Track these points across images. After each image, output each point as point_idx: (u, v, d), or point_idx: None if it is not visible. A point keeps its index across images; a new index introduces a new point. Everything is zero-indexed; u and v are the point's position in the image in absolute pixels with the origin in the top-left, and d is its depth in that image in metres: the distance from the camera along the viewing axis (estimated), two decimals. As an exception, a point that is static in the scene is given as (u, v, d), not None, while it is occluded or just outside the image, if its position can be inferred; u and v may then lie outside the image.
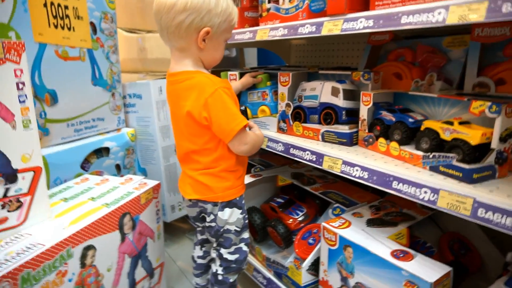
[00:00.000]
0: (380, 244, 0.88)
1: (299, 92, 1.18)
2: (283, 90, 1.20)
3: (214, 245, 1.05)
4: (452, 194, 0.70)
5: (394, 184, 0.82)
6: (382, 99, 1.01)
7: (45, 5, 1.21)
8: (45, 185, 0.96)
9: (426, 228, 1.08)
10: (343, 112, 1.05)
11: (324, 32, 0.96)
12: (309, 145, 1.06)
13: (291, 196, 1.39)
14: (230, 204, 0.98)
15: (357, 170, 0.91)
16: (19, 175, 0.89)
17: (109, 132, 1.55)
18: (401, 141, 0.91)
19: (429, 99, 0.93)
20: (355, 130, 1.05)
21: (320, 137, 1.10)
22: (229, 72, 1.37)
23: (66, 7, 1.29)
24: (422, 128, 0.86)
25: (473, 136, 0.74)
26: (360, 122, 1.03)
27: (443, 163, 0.79)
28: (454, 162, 0.76)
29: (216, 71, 1.31)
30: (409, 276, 0.77)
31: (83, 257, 0.92)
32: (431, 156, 0.81)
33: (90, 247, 0.93)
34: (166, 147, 1.69)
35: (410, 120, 0.91)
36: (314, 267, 1.07)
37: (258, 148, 0.99)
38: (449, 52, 1.06)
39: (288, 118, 1.20)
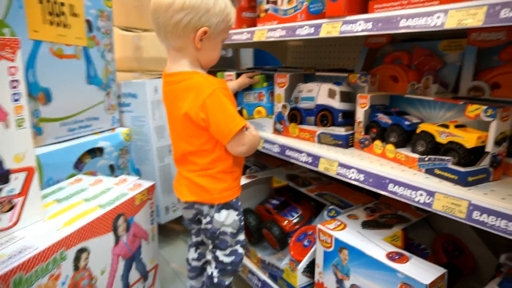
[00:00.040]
0: (376, 246, 0.88)
1: (295, 93, 1.18)
2: (279, 91, 1.20)
3: (210, 247, 1.05)
4: (448, 197, 0.71)
5: (390, 186, 0.82)
6: (379, 101, 1.02)
7: (40, 1, 1.19)
8: (38, 186, 0.94)
9: (420, 230, 1.09)
10: (340, 114, 1.05)
11: (323, 34, 0.96)
12: (305, 147, 1.06)
13: (286, 198, 1.39)
14: (227, 205, 0.98)
15: (353, 172, 0.91)
16: (12, 176, 0.87)
17: (103, 132, 1.53)
18: (397, 144, 0.92)
19: (425, 102, 0.93)
20: (351, 132, 1.05)
21: (316, 138, 1.11)
22: (226, 73, 1.36)
23: (62, 4, 1.28)
24: (418, 131, 0.87)
25: (469, 139, 0.75)
26: (356, 124, 1.03)
27: (438, 166, 0.79)
28: (450, 165, 0.77)
29: (212, 71, 1.30)
30: (405, 278, 0.77)
31: (77, 259, 0.90)
32: (426, 158, 0.82)
33: (83, 250, 0.92)
34: (161, 148, 1.67)
35: (406, 123, 0.91)
36: (310, 269, 1.07)
37: (255, 149, 0.99)
38: (445, 55, 1.07)
39: (284, 120, 1.19)
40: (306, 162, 1.04)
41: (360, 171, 0.89)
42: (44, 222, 0.94)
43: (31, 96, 1.19)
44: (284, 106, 1.19)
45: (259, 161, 1.65)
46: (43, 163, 1.18)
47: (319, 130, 1.09)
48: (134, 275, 1.15)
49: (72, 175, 1.30)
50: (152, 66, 1.87)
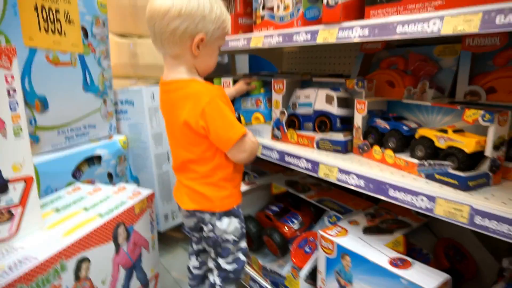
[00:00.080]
0: (378, 252, 0.88)
1: (293, 99, 1.19)
2: (277, 97, 1.21)
3: (212, 255, 1.04)
4: (449, 202, 0.72)
5: (391, 192, 0.82)
6: (376, 107, 1.02)
7: (35, 8, 1.18)
8: (37, 196, 0.93)
9: (421, 235, 1.09)
10: (338, 120, 1.06)
11: (319, 40, 0.96)
12: (304, 153, 1.06)
13: (286, 204, 1.39)
14: (228, 213, 0.98)
15: (353, 178, 0.91)
16: (10, 185, 0.86)
17: (101, 140, 1.52)
18: (396, 149, 0.92)
19: (423, 107, 0.94)
20: (349, 138, 1.05)
21: (315, 144, 1.11)
22: (223, 79, 1.37)
23: (57, 11, 1.27)
24: (417, 136, 0.88)
25: (468, 144, 0.76)
26: (354, 130, 1.04)
27: (438, 171, 0.80)
28: (450, 170, 0.77)
29: (209, 78, 1.30)
30: (408, 284, 0.77)
31: (77, 269, 0.89)
32: (426, 164, 0.82)
33: (84, 260, 0.91)
34: (159, 155, 1.66)
35: (405, 128, 0.92)
36: (312, 276, 1.06)
37: (255, 155, 0.98)
38: (440, 60, 1.08)
39: (282, 126, 1.20)
40: (305, 168, 1.04)
41: (360, 176, 0.89)
42: (43, 232, 0.93)
43: (27, 104, 1.18)
44: (282, 112, 1.19)
45: (257, 167, 1.65)
46: (40, 171, 1.17)
47: (318, 136, 1.09)
48: (135, 284, 1.14)
49: (70, 184, 1.28)
50: (148, 72, 1.87)
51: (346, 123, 1.07)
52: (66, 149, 1.34)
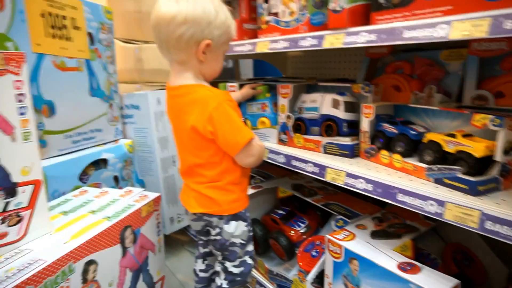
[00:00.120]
0: (386, 256, 0.88)
1: (299, 103, 1.19)
2: (283, 102, 1.21)
3: (219, 258, 1.04)
4: (459, 207, 0.71)
5: (400, 196, 0.82)
6: (383, 111, 1.02)
7: (42, 15, 1.20)
8: (45, 199, 0.94)
9: (428, 239, 1.09)
10: (345, 124, 1.06)
11: (326, 45, 0.97)
12: (311, 157, 1.06)
13: (292, 208, 1.39)
14: (236, 217, 0.98)
15: (361, 182, 0.91)
16: (19, 189, 0.87)
17: (107, 144, 1.53)
18: (404, 153, 0.92)
19: (430, 112, 0.94)
20: (356, 142, 1.05)
21: (321, 148, 1.11)
22: (228, 83, 1.37)
23: (63, 17, 1.29)
24: (425, 140, 0.88)
25: (477, 148, 0.75)
26: (361, 134, 1.04)
27: (447, 175, 0.79)
28: (459, 175, 0.77)
29: (214, 82, 1.31)
30: (417, 289, 0.77)
31: (85, 272, 0.89)
32: (435, 168, 0.82)
33: (91, 262, 0.91)
34: (165, 159, 1.67)
35: (413, 132, 0.92)
36: (318, 280, 1.06)
37: (262, 159, 0.99)
38: (447, 65, 1.08)
39: (288, 130, 1.20)
40: (312, 172, 1.04)
41: (368, 181, 0.89)
42: (51, 235, 0.93)
43: (34, 109, 1.19)
44: (288, 117, 1.19)
45: (263, 171, 1.65)
46: (48, 175, 1.18)
47: (324, 140, 1.09)
48: (141, 287, 1.14)
49: (77, 187, 1.29)
50: (153, 77, 1.88)
51: (353, 128, 1.07)
52: (73, 153, 1.35)
